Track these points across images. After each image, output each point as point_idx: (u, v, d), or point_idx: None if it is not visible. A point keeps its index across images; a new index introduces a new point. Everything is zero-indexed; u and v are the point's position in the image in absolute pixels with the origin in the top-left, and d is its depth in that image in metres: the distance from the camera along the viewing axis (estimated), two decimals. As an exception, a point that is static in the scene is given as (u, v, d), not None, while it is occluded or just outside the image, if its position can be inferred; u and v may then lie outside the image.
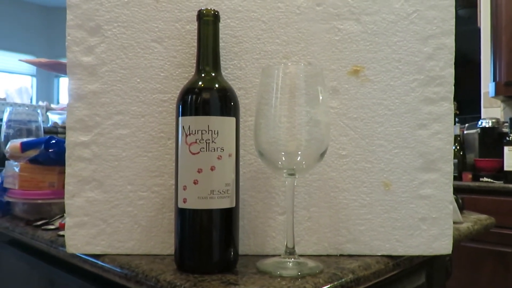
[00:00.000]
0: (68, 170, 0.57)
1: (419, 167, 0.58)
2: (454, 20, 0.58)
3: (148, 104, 0.57)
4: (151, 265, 0.52)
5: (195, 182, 0.48)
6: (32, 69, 5.47)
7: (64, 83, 5.66)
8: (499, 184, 2.03)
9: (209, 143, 0.48)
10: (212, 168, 0.48)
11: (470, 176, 2.19)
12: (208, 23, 0.52)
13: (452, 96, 0.58)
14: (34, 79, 5.58)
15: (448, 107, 0.58)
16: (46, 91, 5.59)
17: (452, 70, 0.58)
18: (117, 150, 0.57)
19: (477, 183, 2.09)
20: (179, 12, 0.58)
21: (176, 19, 0.57)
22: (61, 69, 1.09)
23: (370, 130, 0.58)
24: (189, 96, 0.50)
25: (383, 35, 0.58)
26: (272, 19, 0.57)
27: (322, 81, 0.51)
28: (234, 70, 0.57)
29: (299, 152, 0.50)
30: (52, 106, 2.48)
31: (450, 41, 0.58)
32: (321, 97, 0.50)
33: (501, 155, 2.08)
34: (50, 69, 1.19)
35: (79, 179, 0.57)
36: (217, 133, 0.49)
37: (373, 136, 0.58)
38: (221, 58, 0.57)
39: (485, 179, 2.14)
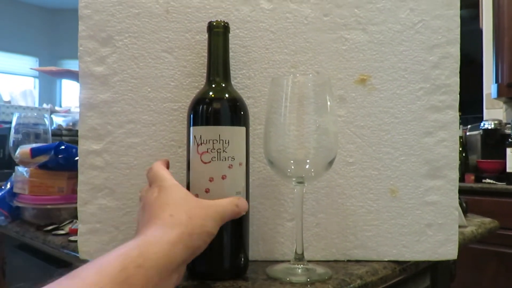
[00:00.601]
0: (80, 177, 0.59)
1: (425, 174, 0.59)
2: (459, 29, 0.59)
3: (159, 113, 0.58)
4: (163, 271, 0.53)
5: (207, 191, 0.50)
6: (35, 70, 5.49)
7: (67, 85, 5.68)
8: (501, 185, 2.04)
9: (220, 152, 0.49)
10: (224, 177, 0.49)
11: (472, 177, 2.20)
12: (218, 34, 0.53)
13: (457, 104, 0.59)
14: (37, 81, 5.60)
15: (454, 115, 0.59)
16: (49, 93, 5.61)
17: (457, 79, 0.59)
18: (129, 158, 0.58)
19: (479, 185, 2.09)
20: (189, 22, 0.59)
21: (186, 29, 0.59)
22: (71, 76, 1.10)
23: (377, 138, 0.59)
24: (200, 106, 0.51)
25: (389, 45, 0.59)
26: (281, 29, 0.58)
27: (330, 90, 0.52)
28: (243, 80, 0.59)
29: (308, 160, 0.51)
30: (56, 108, 2.49)
31: (455, 50, 0.59)
32: (329, 106, 0.51)
33: (503, 156, 2.09)
34: (61, 77, 1.20)
35: (92, 187, 0.58)
36: (228, 142, 0.50)
37: (380, 144, 0.59)
38: (230, 68, 0.58)
39: (488, 180, 2.14)
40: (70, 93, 5.58)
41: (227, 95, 0.53)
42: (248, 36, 0.59)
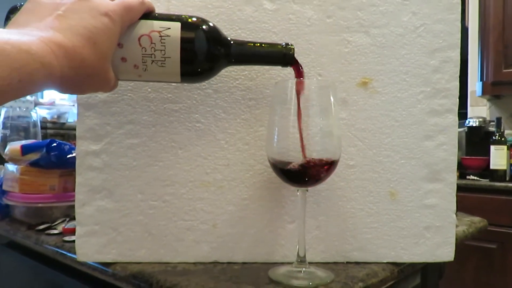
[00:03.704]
0: (78, 179, 0.57)
1: (424, 177, 0.59)
2: (460, 34, 0.60)
3: (159, 113, 0.57)
4: (165, 275, 0.53)
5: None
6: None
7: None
8: (485, 182, 2.09)
9: None
10: None
11: (457, 174, 2.24)
12: None
13: (456, 108, 0.60)
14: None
15: (453, 119, 0.59)
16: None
17: (457, 83, 0.60)
18: (128, 159, 0.57)
19: (463, 181, 2.14)
20: (190, 21, 0.58)
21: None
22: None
23: (377, 141, 0.59)
24: None
25: (391, 48, 0.59)
26: (283, 30, 0.58)
27: (334, 93, 0.52)
28: (245, 81, 0.58)
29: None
30: (40, 100, 2.44)
31: (455, 55, 0.59)
32: (332, 109, 0.51)
33: (487, 153, 2.14)
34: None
35: (90, 188, 0.57)
36: None
37: (381, 147, 0.59)
38: (232, 69, 0.57)
39: (472, 177, 2.19)
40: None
41: None
42: (251, 37, 0.58)
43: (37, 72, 0.33)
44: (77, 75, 0.37)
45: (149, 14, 0.45)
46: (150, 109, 0.57)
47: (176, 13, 0.47)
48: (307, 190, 0.53)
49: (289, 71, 0.58)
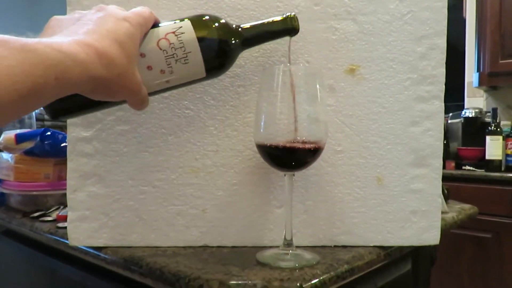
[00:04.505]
0: (70, 165, 0.58)
1: (410, 162, 0.60)
2: (446, 21, 0.60)
3: (149, 100, 0.58)
4: (154, 257, 0.54)
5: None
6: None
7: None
8: (480, 172, 2.10)
9: None
10: None
11: (453, 164, 2.25)
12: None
13: (443, 94, 0.61)
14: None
15: (439, 105, 0.60)
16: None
17: (443, 70, 0.60)
18: (119, 146, 0.58)
19: (459, 171, 2.15)
20: (179, 9, 0.58)
21: (177, 16, 0.58)
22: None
23: (364, 127, 0.60)
24: None
25: (378, 35, 0.60)
26: (271, 17, 0.58)
27: (321, 80, 0.53)
28: (233, 68, 0.59)
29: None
30: (38, 92, 2.44)
31: (442, 42, 0.60)
32: (319, 96, 0.52)
33: (483, 144, 2.15)
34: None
35: (81, 174, 0.58)
36: None
37: (368, 133, 0.60)
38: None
39: (468, 167, 2.20)
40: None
41: None
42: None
43: (72, 70, 0.33)
44: (109, 72, 0.38)
45: (156, 24, 0.48)
46: (140, 96, 0.58)
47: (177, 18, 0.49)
48: (293, 175, 0.54)
49: (278, 58, 0.59)
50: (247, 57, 0.59)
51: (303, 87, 0.52)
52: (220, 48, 0.49)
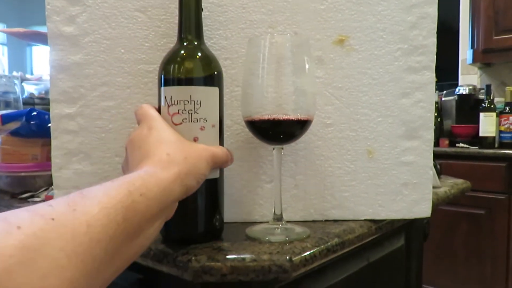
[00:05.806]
0: (54, 142, 0.57)
1: (401, 135, 0.59)
2: (437, -12, 0.59)
3: (133, 75, 0.57)
4: (143, 234, 0.53)
5: None
6: (3, 37, 5.26)
7: (37, 52, 5.47)
8: (474, 149, 2.10)
9: (191, 113, 0.48)
10: (195, 139, 0.48)
11: (447, 142, 2.25)
12: None
13: (433, 65, 0.59)
14: (5, 48, 5.38)
15: (430, 76, 0.59)
16: (19, 61, 5.40)
17: (435, 39, 0.59)
18: (104, 122, 0.57)
19: (453, 149, 2.15)
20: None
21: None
22: (40, 39, 1.06)
23: (354, 99, 0.59)
24: (171, 66, 0.49)
25: (367, 4, 0.58)
26: None
27: (308, 50, 0.52)
28: (219, 40, 0.57)
29: (286, 122, 0.51)
30: (27, 76, 2.41)
31: (433, 10, 0.59)
32: (307, 67, 0.51)
33: (477, 121, 2.15)
34: (29, 39, 1.15)
35: (66, 152, 0.57)
36: (200, 103, 0.48)
37: (358, 105, 0.59)
38: (206, 28, 0.57)
39: (461, 144, 2.20)
40: (41, 61, 5.38)
41: (199, 54, 0.51)
42: (225, -5, 0.57)
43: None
44: (198, 184, 0.45)
45: None
46: (124, 70, 0.57)
47: None
48: (282, 148, 0.53)
49: (265, 29, 0.58)
50: (233, 29, 0.57)
51: (291, 59, 0.50)
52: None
